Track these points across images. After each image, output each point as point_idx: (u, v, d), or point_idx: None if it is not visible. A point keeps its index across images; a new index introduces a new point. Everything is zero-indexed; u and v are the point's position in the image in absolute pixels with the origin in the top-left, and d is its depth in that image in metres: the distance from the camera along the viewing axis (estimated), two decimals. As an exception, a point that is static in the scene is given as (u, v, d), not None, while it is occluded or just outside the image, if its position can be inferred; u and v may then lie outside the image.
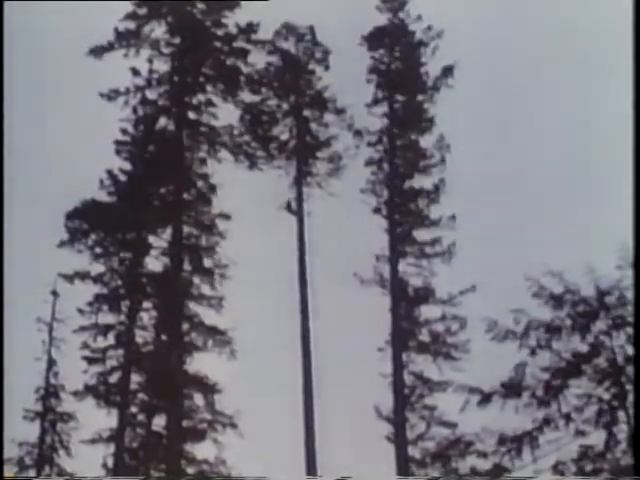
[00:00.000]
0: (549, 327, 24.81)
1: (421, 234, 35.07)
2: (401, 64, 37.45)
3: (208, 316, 33.38)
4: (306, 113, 37.24)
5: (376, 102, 36.90)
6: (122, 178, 34.24)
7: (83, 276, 32.82)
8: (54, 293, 33.38)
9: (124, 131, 34.97)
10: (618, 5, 29.04)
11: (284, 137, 37.13)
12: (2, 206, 25.35)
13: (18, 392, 29.13)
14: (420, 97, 36.88)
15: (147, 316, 33.11)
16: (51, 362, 32.95)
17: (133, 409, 32.06)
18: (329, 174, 36.53)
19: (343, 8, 36.15)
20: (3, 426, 23.83)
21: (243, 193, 34.41)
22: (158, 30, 36.64)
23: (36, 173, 38.35)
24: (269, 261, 34.83)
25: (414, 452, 32.21)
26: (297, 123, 37.11)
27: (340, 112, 36.82)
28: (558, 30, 40.59)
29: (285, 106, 37.28)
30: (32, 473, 31.26)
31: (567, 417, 24.32)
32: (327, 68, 37.35)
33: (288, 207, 35.82)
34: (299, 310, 34.20)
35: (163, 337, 32.92)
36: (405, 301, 34.22)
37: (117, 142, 34.62)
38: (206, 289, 33.82)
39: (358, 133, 36.55)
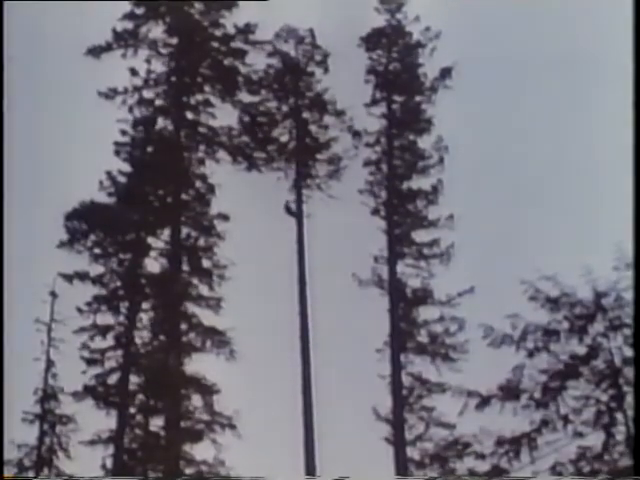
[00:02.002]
0: (546, 330, 24.89)
1: (419, 235, 35.09)
2: (399, 65, 37.43)
3: (207, 317, 33.42)
4: (305, 115, 37.22)
5: (374, 103, 36.88)
6: (121, 179, 34.24)
7: (82, 277, 32.78)
8: (53, 294, 33.27)
9: (123, 132, 34.96)
10: (618, 5, 29.08)
11: (283, 139, 37.11)
12: (2, 206, 25.36)
13: (17, 393, 29.08)
14: (418, 98, 36.87)
15: (146, 317, 33.12)
16: (50, 363, 32.85)
17: (132, 410, 32.03)
18: (329, 176, 36.50)
19: (341, 9, 36.18)
20: (3, 427, 23.83)
21: (242, 194, 34.44)
22: (156, 30, 36.63)
23: (35, 173, 38.38)
24: (268, 262, 34.90)
25: (413, 453, 32.21)
26: (296, 125, 37.10)
27: (339, 114, 36.80)
28: (557, 30, 40.64)
29: (284, 108, 37.25)
30: (31, 475, 31.21)
31: (565, 419, 24.39)
32: (327, 71, 37.33)
33: (287, 209, 35.80)
34: (298, 311, 34.17)
35: (162, 338, 32.88)
36: (403, 302, 34.21)
37: (116, 143, 34.62)
38: (204, 290, 33.81)
39: (357, 134, 36.55)
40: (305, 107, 37.15)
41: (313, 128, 37.03)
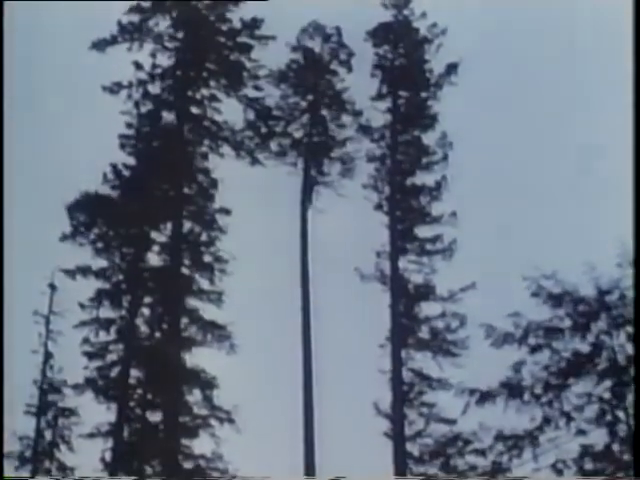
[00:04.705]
0: (549, 328, 24.80)
1: (422, 231, 35.03)
2: (405, 61, 37.33)
3: (208, 311, 33.40)
4: (310, 113, 37.08)
5: (380, 98, 36.78)
6: (125, 172, 34.24)
7: (84, 270, 32.76)
8: (52, 286, 33.21)
9: (128, 125, 34.91)
10: (619, 3, 29.09)
11: (296, 135, 36.91)
12: (2, 199, 25.36)
13: (16, 386, 29.11)
14: (423, 94, 36.79)
15: (148, 311, 33.10)
16: (48, 355, 32.79)
17: (132, 403, 32.01)
18: (342, 174, 36.32)
19: (348, 3, 36.07)
20: (3, 422, 23.82)
21: (244, 188, 34.45)
22: (162, 24, 36.54)
23: (37, 166, 38.39)
24: (270, 256, 34.88)
25: (412, 449, 32.15)
26: (312, 121, 36.88)
27: (357, 114, 36.60)
28: (561, 28, 40.62)
29: (303, 103, 37.09)
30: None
31: (567, 416, 24.30)
32: (350, 70, 37.12)
33: (303, 204, 35.56)
34: (300, 306, 34.09)
35: (163, 331, 32.82)
36: (405, 298, 34.14)
37: (120, 136, 34.57)
38: (206, 284, 33.80)
39: (362, 129, 36.45)
40: (324, 105, 36.91)
41: (329, 126, 36.83)
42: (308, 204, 35.69)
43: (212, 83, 36.48)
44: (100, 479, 29.33)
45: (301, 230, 35.37)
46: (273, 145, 36.42)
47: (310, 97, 37.05)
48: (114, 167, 34.10)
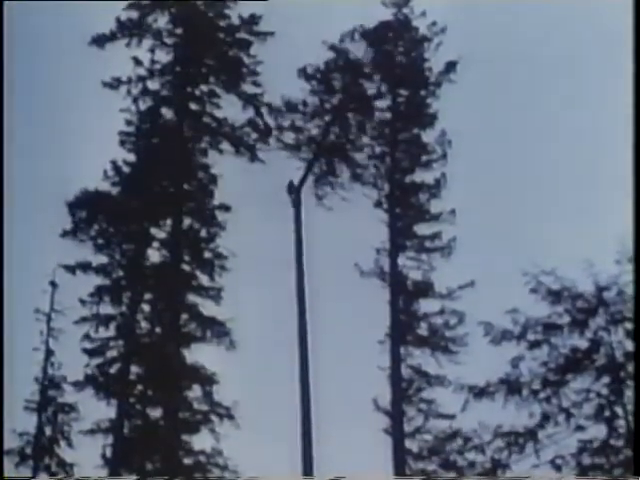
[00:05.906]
0: (547, 324, 24.92)
1: (421, 228, 35.10)
2: (405, 59, 37.37)
3: (207, 307, 33.43)
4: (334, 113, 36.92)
5: (379, 96, 36.83)
6: (125, 169, 34.29)
7: (84, 266, 32.83)
8: (53, 284, 33.30)
9: (128, 122, 34.94)
10: (619, 3, 29.19)
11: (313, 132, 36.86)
12: (2, 197, 25.41)
13: (16, 382, 29.18)
14: (423, 92, 36.84)
15: (148, 307, 33.16)
16: (49, 353, 32.88)
17: (132, 400, 32.08)
18: (354, 177, 36.16)
19: (348, 2, 36.14)
20: (3, 419, 23.85)
21: (244, 184, 34.49)
22: (161, 20, 36.54)
23: (38, 163, 38.46)
24: (270, 253, 34.92)
25: (412, 445, 32.24)
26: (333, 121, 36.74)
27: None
28: (561, 26, 40.73)
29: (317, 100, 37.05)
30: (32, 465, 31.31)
31: (566, 412, 24.41)
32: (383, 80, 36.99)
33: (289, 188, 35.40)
34: (297, 302, 34.05)
35: (163, 328, 32.89)
36: (404, 294, 34.21)
37: (120, 133, 34.62)
38: (205, 280, 33.80)
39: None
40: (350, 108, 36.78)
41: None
42: (298, 201, 35.58)
43: (211, 79, 36.54)
44: (101, 478, 29.34)
45: (295, 226, 35.26)
46: (289, 139, 36.29)
47: (336, 98, 36.83)
48: (114, 164, 34.21)
